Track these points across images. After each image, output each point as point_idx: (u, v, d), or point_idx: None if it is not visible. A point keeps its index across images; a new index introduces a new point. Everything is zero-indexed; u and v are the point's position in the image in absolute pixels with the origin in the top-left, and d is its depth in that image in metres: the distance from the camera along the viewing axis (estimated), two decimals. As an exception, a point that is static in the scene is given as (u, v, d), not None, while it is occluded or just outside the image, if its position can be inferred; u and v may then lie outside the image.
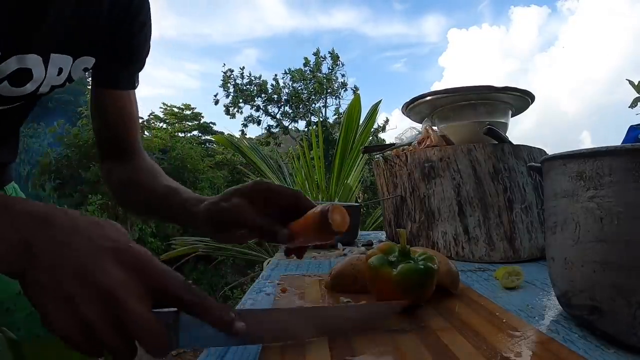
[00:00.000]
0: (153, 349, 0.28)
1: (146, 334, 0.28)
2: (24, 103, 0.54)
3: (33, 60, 0.49)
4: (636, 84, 0.85)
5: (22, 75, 0.49)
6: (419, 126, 0.97)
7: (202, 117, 9.95)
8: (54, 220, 0.29)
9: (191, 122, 9.70)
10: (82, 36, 0.53)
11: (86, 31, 0.53)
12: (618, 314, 0.36)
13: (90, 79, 0.62)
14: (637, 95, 0.85)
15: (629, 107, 0.86)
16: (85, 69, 0.58)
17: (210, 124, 10.08)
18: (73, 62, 0.54)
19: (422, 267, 0.43)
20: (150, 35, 0.63)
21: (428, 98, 0.89)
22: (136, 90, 0.66)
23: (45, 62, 0.50)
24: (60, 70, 0.54)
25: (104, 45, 0.57)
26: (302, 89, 8.77)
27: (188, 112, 9.64)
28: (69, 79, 0.55)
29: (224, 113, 9.00)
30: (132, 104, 0.64)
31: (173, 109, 9.47)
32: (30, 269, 0.27)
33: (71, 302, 0.27)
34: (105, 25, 0.55)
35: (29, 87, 0.51)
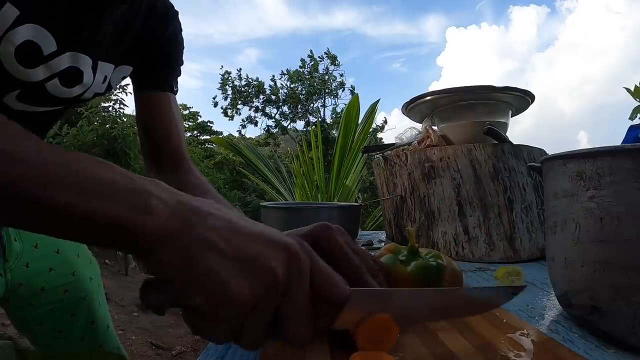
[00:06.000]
0: (337, 299, 0.28)
1: (333, 282, 0.28)
2: (63, 108, 0.55)
3: (85, 62, 0.50)
4: (633, 87, 0.83)
5: (73, 76, 0.50)
6: (419, 126, 0.97)
7: (200, 116, 9.94)
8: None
9: (189, 122, 9.68)
10: (123, 44, 0.55)
11: (127, 39, 0.55)
12: (618, 314, 0.36)
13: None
14: (636, 102, 0.83)
15: (629, 118, 0.84)
16: (123, 78, 0.60)
17: (209, 123, 10.06)
18: (114, 70, 0.56)
19: (434, 263, 0.44)
20: (182, 43, 0.66)
21: (428, 98, 0.89)
22: None
23: (94, 69, 0.52)
24: (105, 78, 0.55)
25: (141, 54, 0.59)
26: (300, 90, 8.77)
27: (185, 112, 9.62)
28: (109, 86, 0.57)
29: (222, 115, 9.01)
30: (173, 107, 0.65)
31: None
32: (195, 226, 0.24)
33: (252, 262, 0.25)
34: (142, 33, 0.57)
35: (77, 90, 0.51)
